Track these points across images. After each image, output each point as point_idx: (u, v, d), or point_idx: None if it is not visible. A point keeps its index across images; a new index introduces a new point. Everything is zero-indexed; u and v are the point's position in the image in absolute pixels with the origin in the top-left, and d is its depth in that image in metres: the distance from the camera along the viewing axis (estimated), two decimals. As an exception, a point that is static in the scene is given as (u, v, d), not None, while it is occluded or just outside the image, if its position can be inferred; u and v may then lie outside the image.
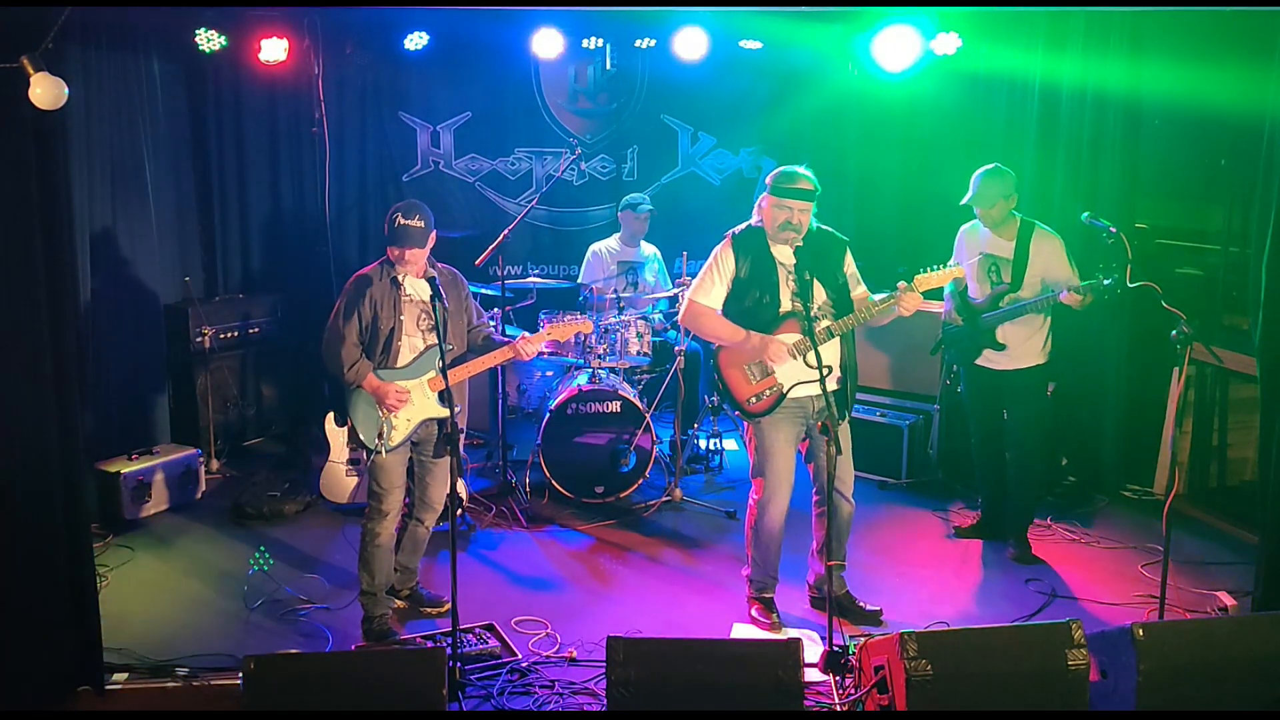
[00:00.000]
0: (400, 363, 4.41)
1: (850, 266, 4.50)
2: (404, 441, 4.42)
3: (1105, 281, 4.62)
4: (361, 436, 4.38)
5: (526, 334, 4.44)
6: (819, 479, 4.52)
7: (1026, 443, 5.20)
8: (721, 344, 4.47)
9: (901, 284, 4.23)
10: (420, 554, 4.76)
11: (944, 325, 5.36)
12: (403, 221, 4.27)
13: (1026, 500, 5.31)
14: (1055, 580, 5.01)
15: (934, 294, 4.52)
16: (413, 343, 4.42)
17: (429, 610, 4.68)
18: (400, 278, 4.39)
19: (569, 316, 4.57)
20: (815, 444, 4.50)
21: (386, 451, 4.36)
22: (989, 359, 5.15)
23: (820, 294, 4.37)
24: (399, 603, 4.73)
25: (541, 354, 6.18)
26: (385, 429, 4.36)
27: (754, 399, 4.42)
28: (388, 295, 4.38)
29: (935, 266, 4.27)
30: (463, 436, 4.82)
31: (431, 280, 4.22)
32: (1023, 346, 5.05)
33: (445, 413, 4.35)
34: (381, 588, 4.51)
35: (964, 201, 5.04)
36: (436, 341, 4.30)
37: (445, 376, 4.12)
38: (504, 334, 6.03)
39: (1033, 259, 4.94)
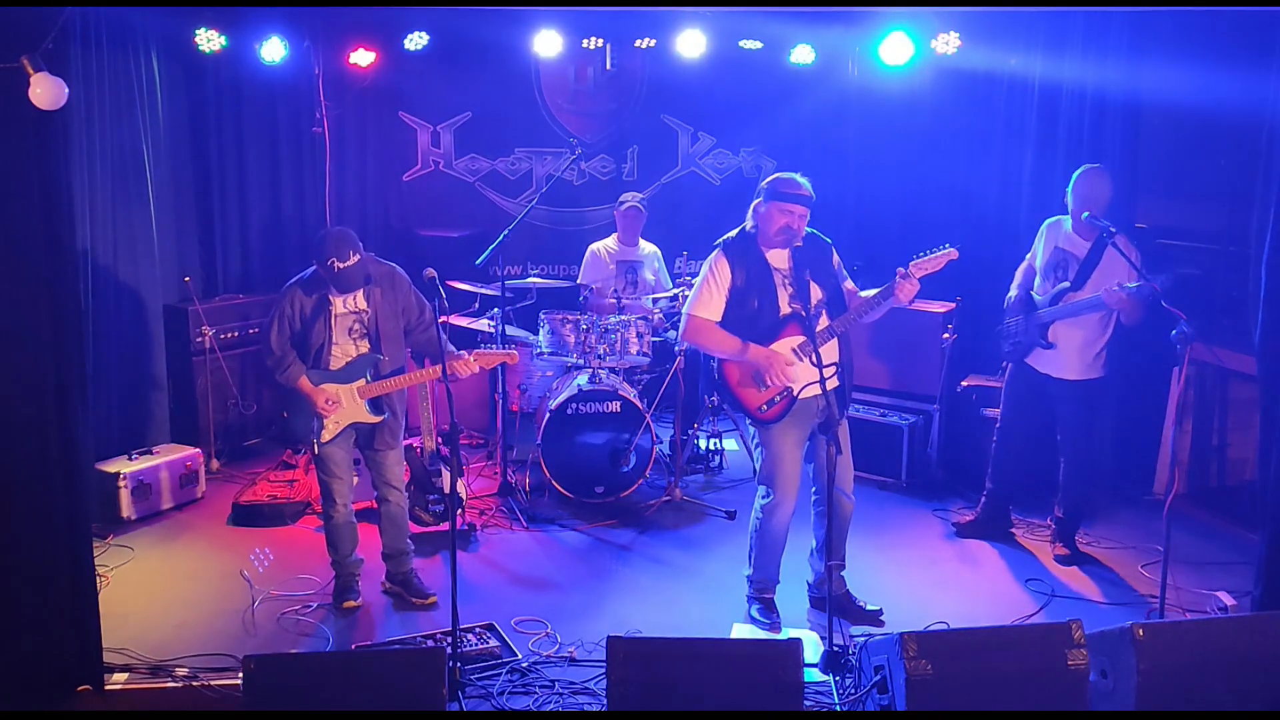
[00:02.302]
0: (333, 366, 4.55)
1: (837, 263, 4.51)
2: (334, 439, 4.56)
3: (1152, 282, 4.58)
4: (296, 429, 4.59)
5: (465, 355, 4.51)
6: (819, 479, 4.52)
7: (1078, 452, 5.18)
8: (725, 358, 4.45)
9: (900, 270, 4.23)
10: (404, 533, 4.79)
11: (1005, 318, 5.29)
12: (341, 267, 4.32)
13: (1077, 506, 5.29)
14: (1055, 580, 5.01)
15: (936, 295, 4.52)
16: (345, 349, 4.55)
17: (416, 600, 4.72)
18: (331, 295, 4.48)
19: (500, 347, 4.72)
20: (815, 444, 4.50)
21: (319, 447, 4.55)
22: (1038, 360, 5.11)
23: (817, 294, 4.37)
24: (394, 587, 4.78)
25: (541, 353, 6.21)
26: (316, 426, 4.53)
27: (765, 406, 4.39)
28: (316, 311, 4.48)
29: (929, 251, 4.26)
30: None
31: (431, 281, 4.25)
32: (1076, 354, 5.00)
33: (373, 419, 4.60)
34: (346, 556, 4.74)
35: (1079, 206, 4.92)
36: (369, 349, 4.52)
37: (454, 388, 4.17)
38: (504, 336, 6.07)
39: (1103, 264, 4.90)
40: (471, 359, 4.51)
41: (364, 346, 4.55)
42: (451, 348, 4.57)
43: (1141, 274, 4.66)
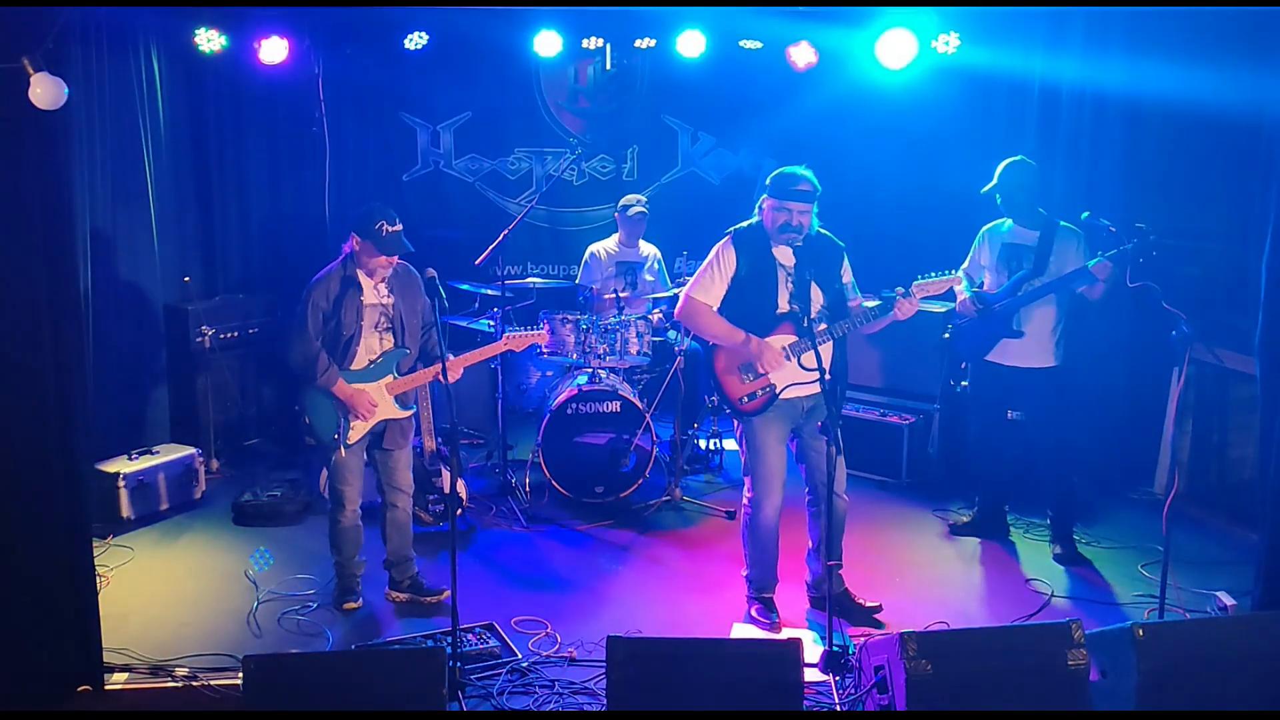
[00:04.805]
0: (356, 365, 4.50)
1: (847, 274, 4.51)
2: (360, 440, 4.54)
3: (1125, 247, 4.67)
4: (319, 433, 4.53)
5: (511, 334, 4.60)
6: (813, 479, 4.53)
7: (1054, 445, 5.19)
8: (717, 342, 4.46)
9: (899, 289, 4.23)
10: (409, 538, 4.79)
11: (954, 321, 5.35)
12: (390, 230, 4.34)
13: (1065, 502, 5.30)
14: (1055, 580, 5.01)
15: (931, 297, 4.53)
16: (370, 344, 4.52)
17: (429, 599, 4.72)
18: (360, 281, 4.45)
19: (525, 329, 4.83)
20: (807, 444, 4.50)
21: (345, 449, 4.49)
22: (1001, 354, 5.13)
23: (817, 296, 4.37)
24: (400, 595, 4.77)
25: (541, 353, 6.21)
26: (343, 427, 4.47)
27: (746, 398, 4.42)
28: (349, 299, 4.44)
29: (933, 274, 4.26)
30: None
31: (430, 281, 4.24)
32: (1037, 342, 5.05)
33: (403, 414, 4.59)
34: (349, 559, 4.72)
35: (985, 189, 5.12)
36: (394, 344, 4.51)
37: (447, 376, 4.15)
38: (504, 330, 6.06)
39: (1056, 249, 4.98)
40: (503, 342, 4.57)
41: (389, 341, 4.53)
42: (447, 352, 4.59)
43: (1124, 236, 4.73)
